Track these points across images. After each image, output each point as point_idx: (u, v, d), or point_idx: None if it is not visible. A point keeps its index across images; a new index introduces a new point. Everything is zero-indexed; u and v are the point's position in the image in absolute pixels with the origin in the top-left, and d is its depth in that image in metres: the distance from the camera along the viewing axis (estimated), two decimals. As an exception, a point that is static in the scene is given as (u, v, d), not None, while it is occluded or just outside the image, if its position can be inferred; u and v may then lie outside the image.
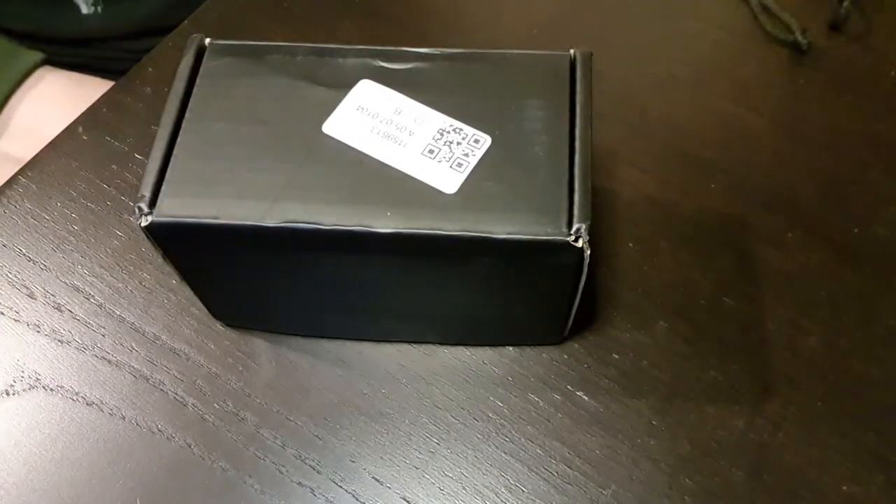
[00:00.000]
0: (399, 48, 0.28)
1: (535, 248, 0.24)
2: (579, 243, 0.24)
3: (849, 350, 0.31)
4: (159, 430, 0.30)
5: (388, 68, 0.27)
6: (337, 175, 0.25)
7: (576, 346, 0.31)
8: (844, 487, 0.28)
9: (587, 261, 0.25)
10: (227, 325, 0.32)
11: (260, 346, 0.31)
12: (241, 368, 0.31)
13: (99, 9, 0.51)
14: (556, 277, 0.26)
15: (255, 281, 0.28)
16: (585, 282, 0.26)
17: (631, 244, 0.34)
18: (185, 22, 0.41)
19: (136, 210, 0.24)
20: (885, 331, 0.32)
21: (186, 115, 0.26)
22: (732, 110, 0.38)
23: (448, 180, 0.25)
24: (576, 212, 0.24)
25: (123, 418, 0.30)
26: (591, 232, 0.24)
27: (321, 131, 0.26)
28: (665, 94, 0.39)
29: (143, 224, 0.24)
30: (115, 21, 0.52)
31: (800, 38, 0.40)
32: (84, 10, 0.51)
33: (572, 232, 0.24)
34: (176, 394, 0.30)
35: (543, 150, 0.25)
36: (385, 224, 0.24)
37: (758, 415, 0.30)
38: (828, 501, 0.28)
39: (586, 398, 0.30)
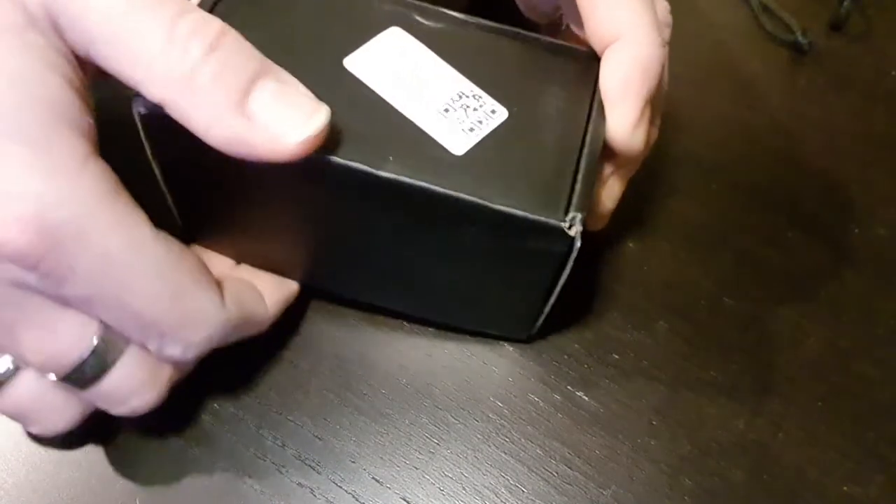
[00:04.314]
0: (438, 8, 0.28)
1: (527, 226, 0.24)
2: (572, 231, 0.24)
3: (849, 350, 0.31)
4: (159, 430, 0.30)
5: (422, 23, 0.27)
6: (348, 111, 0.24)
7: (576, 346, 0.31)
8: (844, 487, 0.28)
9: (575, 253, 0.24)
10: (200, 243, 0.30)
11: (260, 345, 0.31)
12: (241, 368, 0.31)
13: None
14: (540, 264, 0.26)
15: (236, 200, 0.27)
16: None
17: (631, 244, 0.34)
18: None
19: (135, 99, 0.24)
20: (885, 331, 0.32)
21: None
22: (732, 110, 0.38)
23: (457, 142, 0.25)
24: (574, 199, 0.24)
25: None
26: (585, 224, 0.24)
27: (342, 65, 0.26)
28: (664, 94, 0.39)
29: (140, 112, 0.24)
30: None
31: (800, 38, 0.40)
32: None
33: (567, 219, 0.24)
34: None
35: (556, 136, 0.25)
36: (385, 168, 0.24)
37: (758, 415, 0.30)
38: (828, 501, 0.28)
39: (586, 398, 0.30)
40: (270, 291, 0.29)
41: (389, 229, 0.26)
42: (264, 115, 0.22)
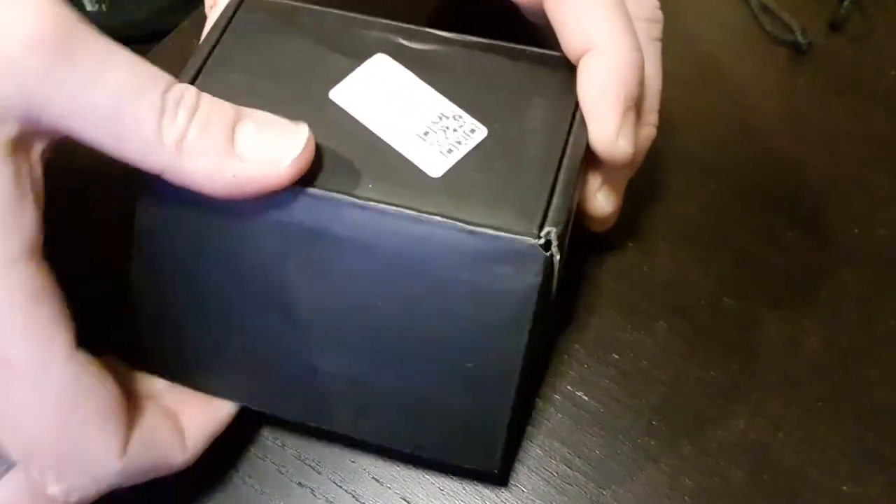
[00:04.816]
0: (422, 28, 0.28)
1: (500, 245, 0.23)
2: (548, 251, 0.23)
3: (849, 350, 0.31)
4: (159, 430, 0.30)
5: (406, 46, 0.28)
6: (331, 142, 0.25)
7: (576, 346, 0.31)
8: (844, 487, 0.28)
9: (556, 275, 0.24)
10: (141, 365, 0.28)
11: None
12: (241, 368, 0.31)
13: (103, 7, 0.51)
14: (516, 295, 0.24)
15: (202, 304, 0.26)
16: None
17: (631, 244, 0.34)
18: (186, 21, 0.41)
19: (140, 200, 0.25)
20: (885, 331, 0.32)
21: (209, 62, 0.27)
22: (732, 110, 0.38)
23: (435, 164, 0.25)
24: (550, 214, 0.24)
25: (123, 418, 0.30)
26: (562, 238, 0.23)
27: (328, 97, 0.26)
28: (665, 94, 0.39)
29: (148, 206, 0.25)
30: (121, 20, 0.52)
31: (800, 38, 0.40)
32: (88, 7, 0.51)
33: (542, 234, 0.23)
34: (176, 394, 0.30)
35: (537, 150, 0.25)
36: (363, 194, 0.24)
37: (758, 415, 0.30)
38: (828, 501, 0.28)
39: (586, 398, 0.30)
40: (196, 426, 0.26)
41: (361, 279, 0.25)
42: (252, 151, 0.23)
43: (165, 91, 0.23)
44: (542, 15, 0.28)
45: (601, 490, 0.28)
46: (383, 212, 0.24)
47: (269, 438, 0.29)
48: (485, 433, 0.26)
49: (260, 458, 0.29)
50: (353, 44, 0.28)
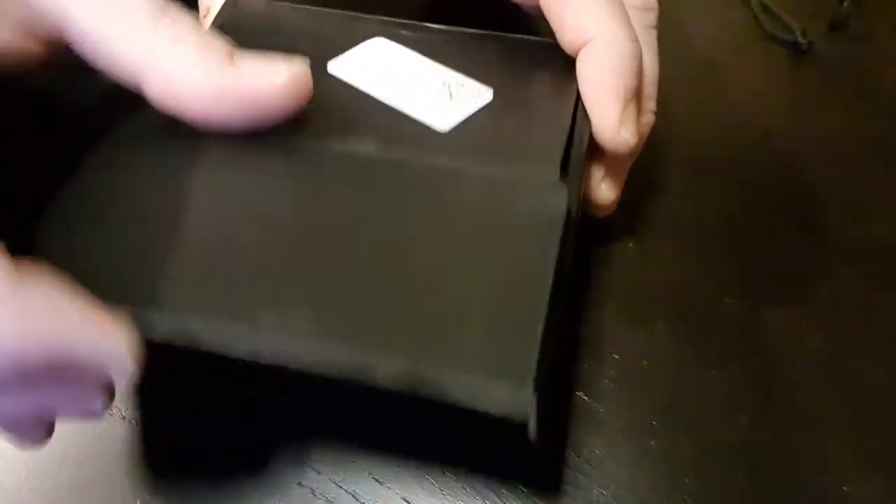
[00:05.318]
0: (421, 23, 0.28)
1: (518, 189, 0.23)
2: (568, 189, 0.23)
3: (849, 350, 0.31)
4: (159, 431, 0.30)
5: (407, 35, 0.28)
6: (333, 106, 0.25)
7: (576, 345, 0.31)
8: (844, 487, 0.28)
9: (575, 219, 0.24)
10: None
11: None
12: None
13: None
14: (535, 240, 0.22)
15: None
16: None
17: (631, 244, 0.34)
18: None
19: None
20: (885, 331, 0.32)
21: None
22: (732, 110, 0.38)
23: (443, 120, 0.25)
24: (571, 164, 0.24)
25: (123, 418, 0.30)
26: (580, 205, 0.24)
27: (325, 70, 0.26)
28: (665, 94, 0.39)
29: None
30: None
31: (800, 38, 0.40)
32: None
33: (563, 181, 0.23)
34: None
35: (544, 109, 0.25)
36: (371, 146, 0.24)
37: (758, 415, 0.30)
38: (828, 501, 0.28)
39: (586, 398, 0.30)
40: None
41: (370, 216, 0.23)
42: (251, 67, 0.23)
43: (166, 5, 0.23)
44: (539, 9, 0.28)
45: (601, 490, 0.28)
46: (391, 160, 0.24)
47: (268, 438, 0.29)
48: (513, 339, 0.21)
49: (259, 457, 0.29)
50: (350, 32, 0.28)
